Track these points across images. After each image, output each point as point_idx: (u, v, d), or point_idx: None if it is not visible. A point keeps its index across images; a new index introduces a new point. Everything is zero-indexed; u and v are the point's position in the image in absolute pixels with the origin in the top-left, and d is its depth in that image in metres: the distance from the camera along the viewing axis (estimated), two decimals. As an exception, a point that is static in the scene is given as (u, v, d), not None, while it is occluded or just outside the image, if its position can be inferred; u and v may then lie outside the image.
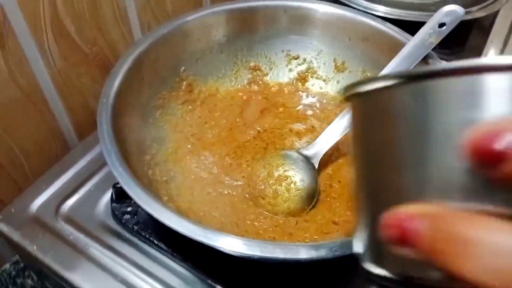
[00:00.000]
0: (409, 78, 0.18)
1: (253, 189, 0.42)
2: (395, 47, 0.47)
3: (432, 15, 0.65)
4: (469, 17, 0.65)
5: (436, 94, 0.17)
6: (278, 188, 0.41)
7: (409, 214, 0.17)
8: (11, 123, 0.51)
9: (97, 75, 0.60)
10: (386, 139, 0.19)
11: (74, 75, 0.56)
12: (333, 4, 0.51)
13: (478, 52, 0.70)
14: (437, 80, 0.17)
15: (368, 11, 0.64)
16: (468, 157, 0.16)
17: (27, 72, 0.50)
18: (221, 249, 0.30)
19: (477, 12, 0.66)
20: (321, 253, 0.29)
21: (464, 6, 0.68)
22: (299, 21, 0.52)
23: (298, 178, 0.42)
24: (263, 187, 0.42)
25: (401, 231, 0.17)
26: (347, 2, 0.66)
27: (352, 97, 0.21)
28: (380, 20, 0.49)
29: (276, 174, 0.42)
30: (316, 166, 0.44)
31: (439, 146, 0.17)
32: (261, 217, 0.42)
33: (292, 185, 0.41)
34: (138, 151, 0.42)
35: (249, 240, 0.31)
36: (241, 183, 0.44)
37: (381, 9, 0.66)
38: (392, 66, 0.44)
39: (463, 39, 0.71)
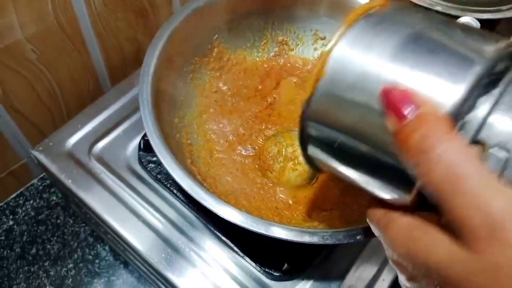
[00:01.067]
0: None
1: (263, 163, 0.48)
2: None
3: (460, 8, 0.66)
4: (498, 16, 0.66)
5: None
6: (286, 165, 0.47)
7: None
8: (52, 60, 0.56)
9: (132, 20, 0.63)
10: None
11: (112, 19, 0.60)
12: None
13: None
14: None
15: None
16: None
17: (70, 15, 0.54)
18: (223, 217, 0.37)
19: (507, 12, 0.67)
20: (314, 239, 0.36)
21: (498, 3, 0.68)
22: (335, 6, 0.54)
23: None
24: (271, 162, 0.47)
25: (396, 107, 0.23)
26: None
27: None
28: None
29: (285, 152, 0.47)
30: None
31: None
32: (266, 187, 0.48)
33: (298, 166, 0.47)
34: (169, 114, 0.47)
35: (246, 216, 0.37)
36: (251, 153, 0.50)
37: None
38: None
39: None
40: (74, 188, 0.50)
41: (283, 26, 0.56)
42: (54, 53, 0.55)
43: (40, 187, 0.68)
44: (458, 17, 0.66)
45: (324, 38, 0.57)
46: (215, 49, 0.53)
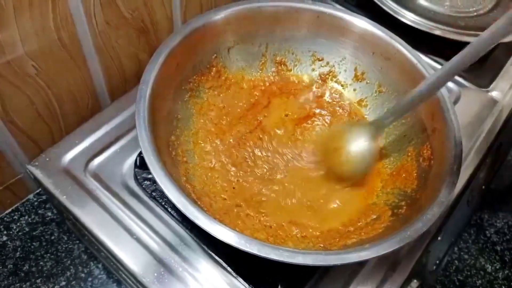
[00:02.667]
0: None
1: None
2: (412, 72, 0.51)
3: (458, 32, 0.67)
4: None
5: None
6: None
7: None
8: (52, 76, 0.56)
9: (133, 38, 0.64)
10: None
11: (113, 36, 0.60)
12: (366, 19, 0.54)
13: (495, 73, 0.72)
14: None
15: (397, 16, 0.67)
16: None
17: (71, 30, 0.54)
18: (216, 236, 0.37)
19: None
20: (307, 260, 0.35)
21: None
22: (330, 28, 0.55)
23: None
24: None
25: None
26: (377, 2, 0.68)
27: None
28: (406, 44, 0.52)
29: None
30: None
31: None
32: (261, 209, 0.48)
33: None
34: (166, 132, 0.47)
35: (239, 235, 0.36)
36: (247, 174, 0.50)
37: (410, 16, 0.68)
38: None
39: (484, 57, 0.73)
40: (68, 204, 0.50)
41: (282, 47, 0.57)
42: (54, 69, 0.56)
43: (36, 203, 0.67)
44: (456, 41, 0.67)
45: (321, 60, 0.58)
46: (214, 68, 0.54)
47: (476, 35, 0.67)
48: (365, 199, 0.50)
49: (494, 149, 0.66)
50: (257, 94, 0.56)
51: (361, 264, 0.49)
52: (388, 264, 0.49)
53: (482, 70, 0.72)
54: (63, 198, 0.50)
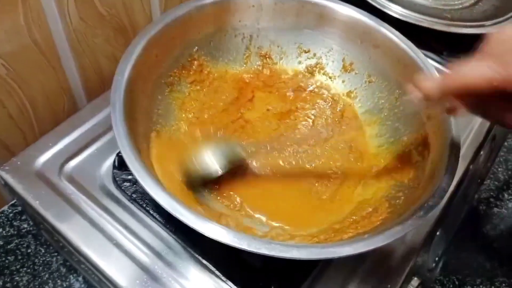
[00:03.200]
0: None
1: None
2: (402, 59, 0.49)
3: (445, 23, 0.66)
4: (482, 31, 0.66)
5: None
6: None
7: None
8: (23, 76, 0.53)
9: (111, 36, 0.61)
10: None
11: (89, 35, 0.57)
12: (351, 6, 0.52)
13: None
14: None
15: (384, 9, 0.65)
16: None
17: (44, 28, 0.52)
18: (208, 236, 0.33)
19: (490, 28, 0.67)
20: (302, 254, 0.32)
21: (482, 19, 0.69)
22: (316, 17, 0.53)
23: None
24: None
25: None
26: (365, -4, 0.67)
27: None
28: (395, 31, 0.50)
29: None
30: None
31: None
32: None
33: None
34: (146, 128, 0.44)
35: (238, 234, 0.33)
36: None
37: (397, 9, 0.66)
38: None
39: (474, 50, 0.72)
40: (41, 210, 0.46)
41: (266, 39, 0.55)
42: (26, 69, 0.53)
43: (11, 214, 0.63)
44: (444, 32, 0.66)
45: (308, 51, 0.55)
46: (195, 61, 0.51)
47: (463, 26, 0.66)
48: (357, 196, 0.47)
49: (488, 141, 0.65)
50: (241, 88, 0.54)
51: (359, 262, 0.46)
52: (387, 260, 0.47)
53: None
54: (36, 204, 0.46)
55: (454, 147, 0.41)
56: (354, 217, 0.42)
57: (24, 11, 0.48)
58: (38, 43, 0.52)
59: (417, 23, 0.65)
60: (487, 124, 0.61)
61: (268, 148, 0.49)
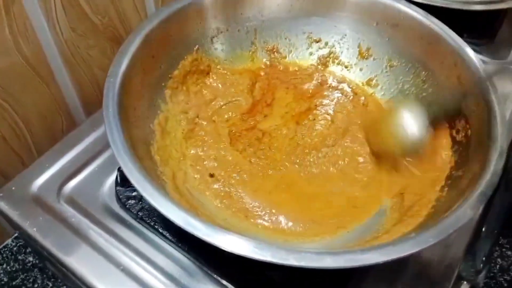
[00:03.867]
0: None
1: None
2: (426, 36, 0.44)
3: (462, 1, 0.61)
4: (501, 6, 0.60)
5: None
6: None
7: None
8: (14, 94, 0.49)
9: (107, 48, 0.57)
10: None
11: (83, 46, 0.54)
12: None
13: (509, 44, 0.65)
14: None
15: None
16: None
17: (33, 41, 0.48)
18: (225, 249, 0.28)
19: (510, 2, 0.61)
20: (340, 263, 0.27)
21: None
22: (324, 2, 0.48)
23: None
24: None
25: None
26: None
27: None
28: (413, 6, 0.45)
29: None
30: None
31: None
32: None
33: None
34: (145, 134, 0.39)
35: (260, 244, 0.28)
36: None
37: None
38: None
39: (494, 30, 0.67)
40: (40, 237, 0.42)
41: (272, 31, 0.50)
42: (17, 87, 0.49)
43: (15, 248, 0.59)
44: (462, 12, 0.60)
45: (319, 41, 0.50)
46: (197, 61, 0.46)
47: (481, 3, 0.61)
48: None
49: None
50: (250, 89, 0.49)
51: (400, 270, 0.40)
52: (430, 267, 0.41)
53: (496, 44, 0.66)
54: (33, 231, 0.42)
55: (502, 120, 0.35)
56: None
57: (9, 22, 0.45)
58: (27, 58, 0.48)
59: (431, 3, 0.60)
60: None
61: (288, 166, 0.45)
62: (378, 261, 0.26)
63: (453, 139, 0.40)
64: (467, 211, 0.31)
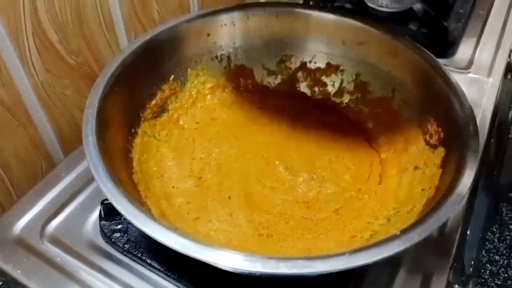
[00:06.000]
0: None
1: None
2: (392, 50, 0.46)
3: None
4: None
5: None
6: None
7: None
8: (-8, 140, 0.48)
9: (82, 87, 0.58)
10: None
11: (58, 87, 0.54)
12: (325, 9, 0.50)
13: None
14: None
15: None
16: None
17: (7, 82, 0.48)
18: (220, 266, 0.28)
19: None
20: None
21: None
22: (293, 26, 0.50)
23: None
24: None
25: None
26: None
27: None
28: (374, 23, 0.48)
29: None
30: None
31: None
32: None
33: None
34: (127, 164, 0.40)
35: (250, 255, 0.28)
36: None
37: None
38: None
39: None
40: (25, 280, 0.41)
41: (247, 55, 0.51)
42: (-7, 131, 0.48)
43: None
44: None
45: (292, 61, 0.52)
46: (173, 91, 0.47)
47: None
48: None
49: (495, 129, 0.61)
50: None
51: (393, 275, 0.40)
52: (422, 270, 0.41)
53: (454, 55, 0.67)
54: (17, 274, 0.41)
55: (471, 120, 0.37)
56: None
57: (-19, 62, 0.45)
58: (2, 100, 0.48)
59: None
60: (490, 110, 0.57)
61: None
62: (368, 261, 0.27)
63: (427, 143, 0.42)
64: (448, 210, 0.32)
